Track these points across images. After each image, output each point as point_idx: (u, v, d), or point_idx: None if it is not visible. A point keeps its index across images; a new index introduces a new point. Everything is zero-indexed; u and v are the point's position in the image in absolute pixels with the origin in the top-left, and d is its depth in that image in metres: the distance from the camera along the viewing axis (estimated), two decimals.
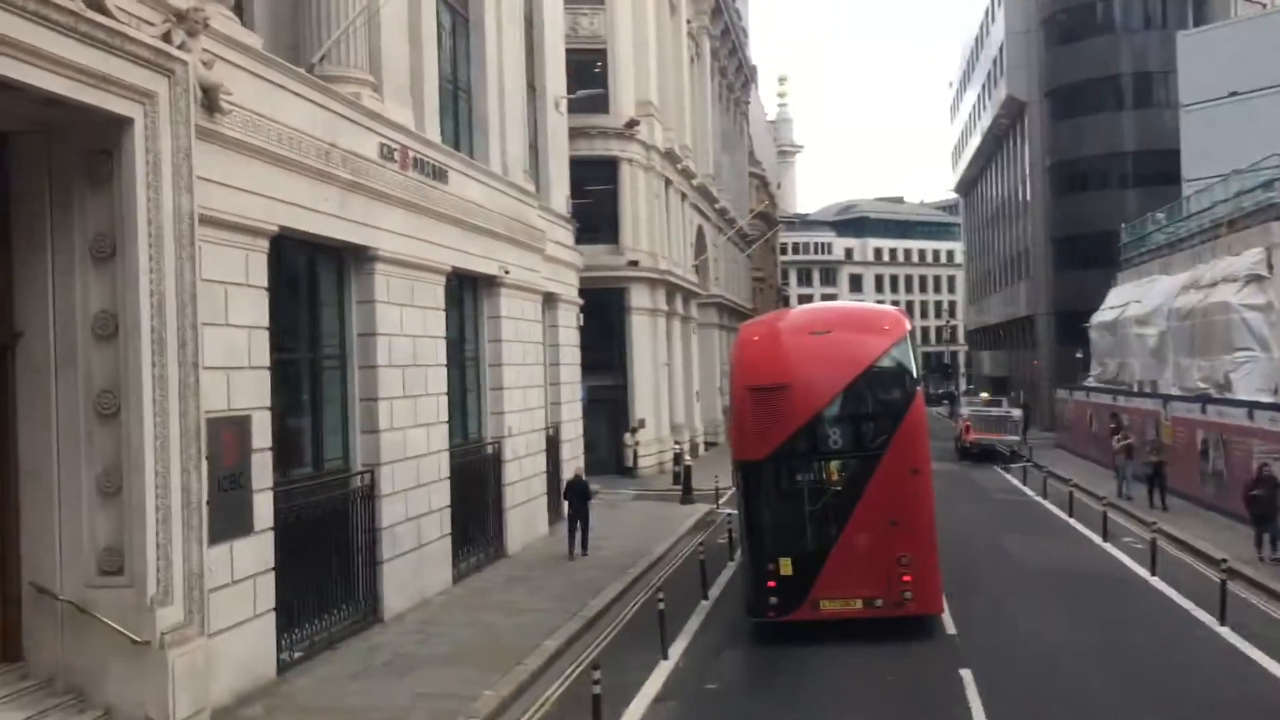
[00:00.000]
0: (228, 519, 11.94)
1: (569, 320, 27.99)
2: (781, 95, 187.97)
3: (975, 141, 73.62)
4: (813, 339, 15.60)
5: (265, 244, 12.94)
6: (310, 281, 15.35)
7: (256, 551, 12.59)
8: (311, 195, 14.07)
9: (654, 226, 38.84)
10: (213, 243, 11.89)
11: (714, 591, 18.40)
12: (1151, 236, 38.52)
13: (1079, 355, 45.84)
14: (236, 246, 12.37)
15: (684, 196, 45.14)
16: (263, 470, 12.74)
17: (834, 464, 14.80)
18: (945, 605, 15.61)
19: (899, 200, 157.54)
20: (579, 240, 35.90)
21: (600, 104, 36.78)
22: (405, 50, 17.60)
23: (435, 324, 18.08)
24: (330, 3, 15.50)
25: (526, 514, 22.82)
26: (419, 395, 17.29)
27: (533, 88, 26.33)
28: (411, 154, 17.19)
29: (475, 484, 20.43)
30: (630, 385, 37.19)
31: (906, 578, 14.29)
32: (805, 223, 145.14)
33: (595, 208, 37.66)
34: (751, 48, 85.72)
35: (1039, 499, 29.71)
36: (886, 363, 15.04)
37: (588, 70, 37.66)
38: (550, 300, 26.62)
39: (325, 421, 15.40)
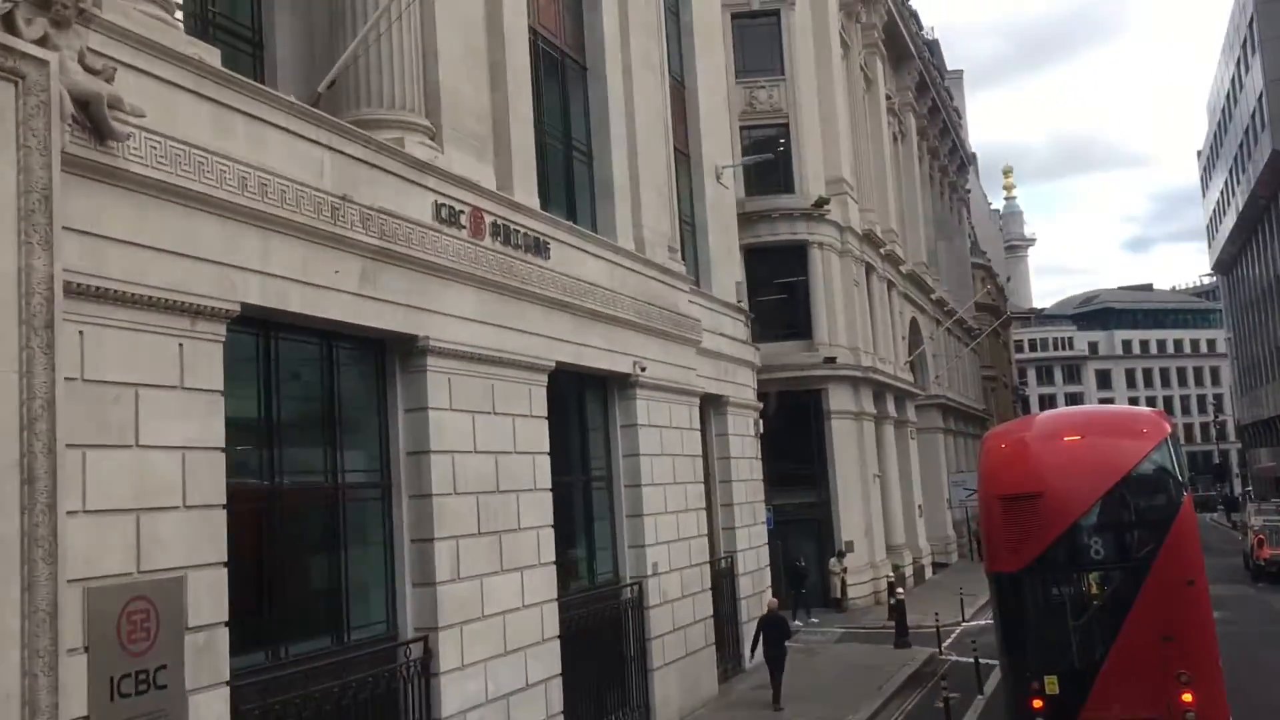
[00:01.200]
0: None
1: (743, 428, 23.39)
2: (1008, 188, 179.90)
3: (1235, 211, 64.75)
4: (1065, 444, 14.93)
5: (218, 329, 9.16)
6: (328, 380, 11.49)
7: None
8: (310, 265, 10.32)
9: (854, 319, 33.92)
10: (117, 327, 8.21)
11: None
12: None
13: None
14: (161, 332, 8.63)
15: (891, 285, 40.02)
16: (210, 658, 8.72)
17: (1096, 575, 14.02)
18: None
19: (1148, 288, 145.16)
20: (766, 338, 31.60)
21: (785, 183, 32.72)
22: (481, 92, 13.96)
23: (531, 436, 13.95)
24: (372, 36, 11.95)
25: (684, 672, 18.04)
26: (504, 530, 13.09)
27: (684, 154, 22.43)
28: (488, 218, 13.37)
29: (603, 642, 15.94)
30: (834, 501, 31.93)
31: (1187, 697, 13.02)
32: (1042, 318, 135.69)
33: (786, 301, 33.37)
34: (972, 136, 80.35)
35: None
36: (1147, 467, 14.18)
37: (769, 148, 33.78)
38: (717, 404, 22.18)
39: (353, 573, 11.38)
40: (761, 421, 24.62)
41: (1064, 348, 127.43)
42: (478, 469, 12.69)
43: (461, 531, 12.24)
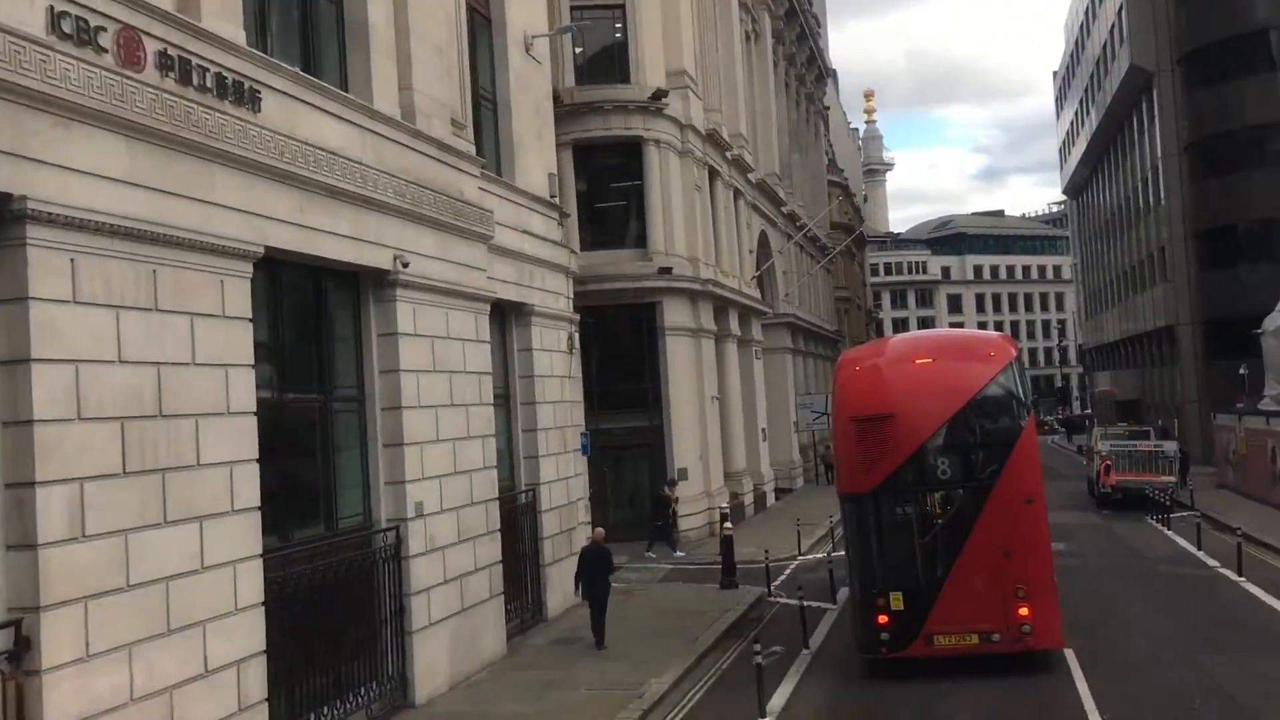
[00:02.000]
0: None
1: (554, 342, 20.34)
2: (868, 111, 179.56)
3: (1089, 130, 64.08)
4: (916, 368, 15.41)
5: None
6: None
7: None
8: None
9: (695, 227, 31.01)
10: None
11: None
12: None
13: (1242, 371, 36.50)
14: None
15: (738, 194, 37.24)
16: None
17: (943, 495, 14.57)
18: None
19: (999, 214, 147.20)
20: (597, 245, 28.59)
21: (620, 73, 29.41)
22: None
23: (222, 343, 10.51)
24: None
25: (458, 632, 15.04)
26: (170, 469, 9.70)
27: (484, 15, 18.90)
28: (152, 46, 9.72)
29: (347, 602, 12.78)
30: (667, 425, 29.27)
31: (1024, 611, 13.85)
32: (897, 242, 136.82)
33: (620, 206, 30.34)
34: (834, 61, 78.19)
35: (1232, 574, 20.88)
36: (994, 390, 14.68)
37: (604, 36, 30.41)
38: (519, 314, 19.07)
39: None
40: (576, 336, 21.57)
41: (918, 272, 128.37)
42: (123, 386, 9.23)
43: (89, 471, 8.82)
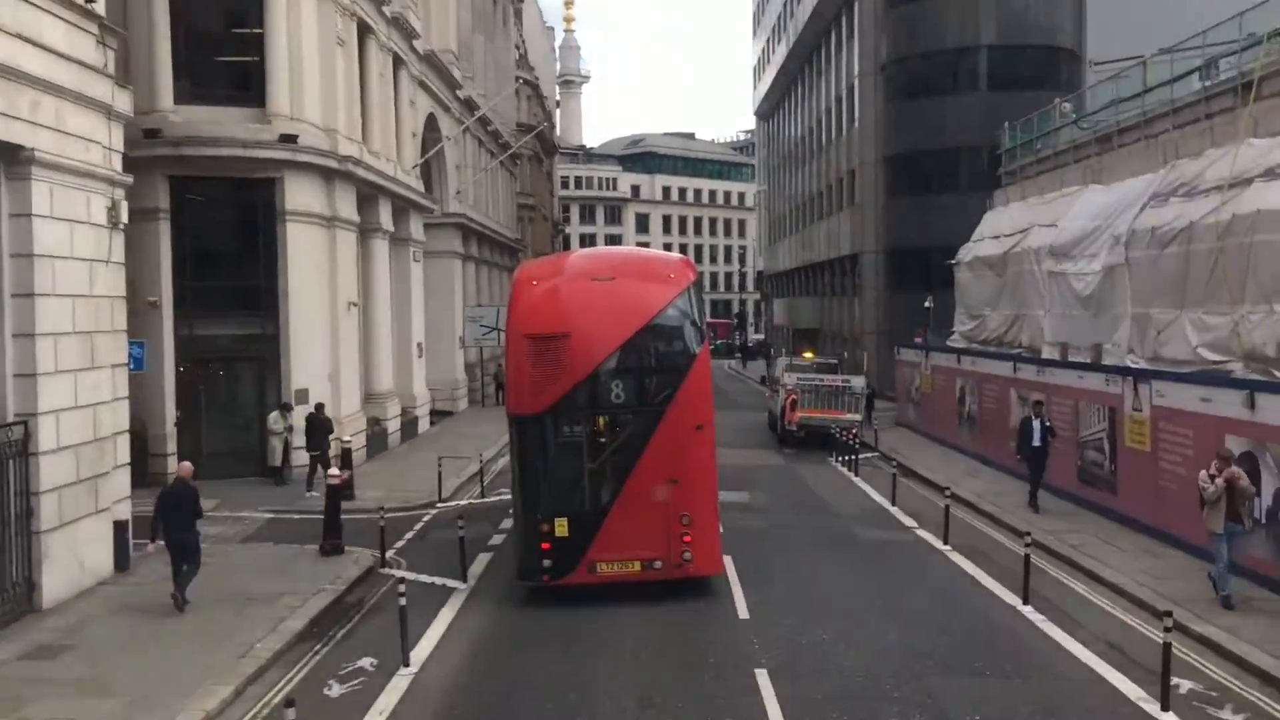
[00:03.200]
0: None
1: (77, 208, 14.08)
2: (568, 21, 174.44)
3: (785, 48, 62.05)
4: (594, 286, 14.71)
5: None
6: None
7: None
8: None
9: (336, 90, 24.91)
10: None
11: None
12: (1057, 135, 27.42)
13: (927, 305, 34.89)
14: None
15: (400, 62, 31.23)
16: None
17: (614, 419, 14.04)
18: None
19: (690, 136, 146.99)
20: (195, 98, 22.26)
21: None
22: None
23: None
24: None
25: None
26: None
27: None
28: None
29: None
30: (285, 335, 23.36)
31: (687, 538, 13.77)
32: (589, 155, 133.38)
33: (229, 52, 23.83)
34: None
35: (935, 540, 17.92)
36: (671, 313, 14.36)
37: None
38: (11, 160, 12.69)
39: None
40: (124, 206, 15.32)
41: (608, 188, 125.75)
42: None
43: None
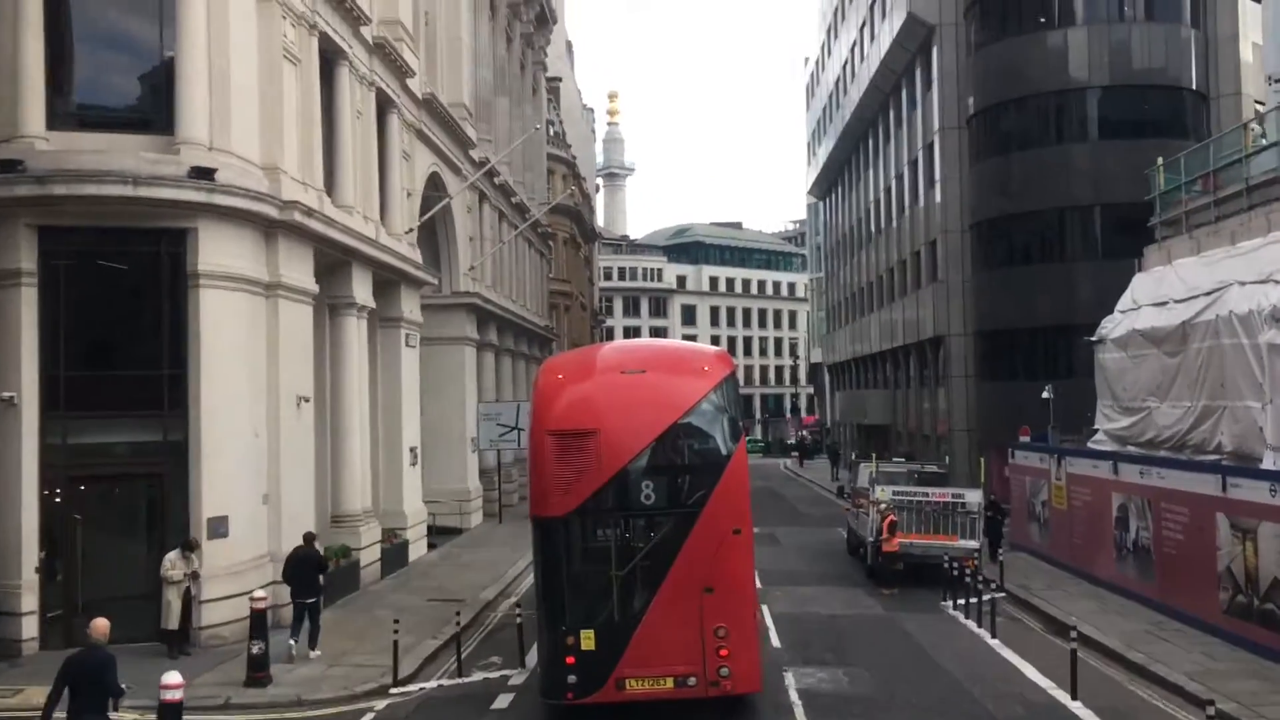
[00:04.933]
0: None
1: None
2: (612, 114, 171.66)
3: (846, 112, 56.02)
4: (624, 380, 13.91)
5: None
6: None
7: None
8: None
9: (281, 117, 18.94)
10: None
11: None
12: (1245, 165, 20.61)
13: (1046, 395, 27.83)
14: None
15: (389, 103, 25.38)
16: None
17: (645, 522, 13.19)
18: None
19: (738, 226, 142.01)
20: (74, 123, 16.38)
21: None
22: None
23: None
24: None
25: None
26: None
27: None
28: None
29: None
30: (194, 442, 16.92)
31: (724, 652, 12.73)
32: (633, 246, 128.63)
33: (123, 63, 17.94)
34: (580, 64, 68.14)
35: None
36: (706, 408, 13.47)
37: None
38: None
39: None
40: None
41: (653, 279, 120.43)
42: None
43: None
